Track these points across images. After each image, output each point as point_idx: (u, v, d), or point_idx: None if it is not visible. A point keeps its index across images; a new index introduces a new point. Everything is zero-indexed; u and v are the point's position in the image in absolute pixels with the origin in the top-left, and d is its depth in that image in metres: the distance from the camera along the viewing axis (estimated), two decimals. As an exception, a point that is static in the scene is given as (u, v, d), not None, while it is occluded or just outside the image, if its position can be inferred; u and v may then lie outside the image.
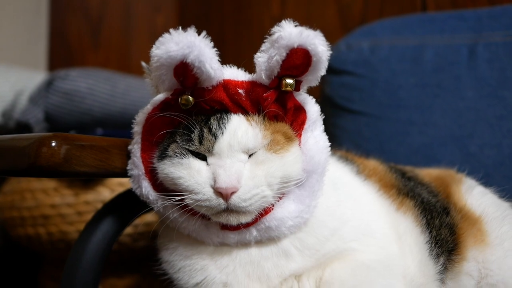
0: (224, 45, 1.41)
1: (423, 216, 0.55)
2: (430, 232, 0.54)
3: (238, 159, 0.43)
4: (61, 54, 1.59)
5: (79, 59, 1.57)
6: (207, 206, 0.43)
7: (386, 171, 0.61)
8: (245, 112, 0.44)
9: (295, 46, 0.41)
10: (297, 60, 0.42)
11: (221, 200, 0.42)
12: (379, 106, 1.00)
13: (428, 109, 0.94)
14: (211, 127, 0.43)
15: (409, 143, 0.94)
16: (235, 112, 0.44)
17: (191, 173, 0.43)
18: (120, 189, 0.88)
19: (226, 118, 0.44)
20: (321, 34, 0.42)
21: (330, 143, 0.49)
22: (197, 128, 0.44)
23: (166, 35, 0.40)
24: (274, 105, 0.44)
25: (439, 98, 0.94)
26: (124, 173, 0.49)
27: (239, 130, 0.43)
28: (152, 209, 0.49)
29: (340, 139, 1.02)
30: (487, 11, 1.01)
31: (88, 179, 0.90)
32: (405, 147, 0.95)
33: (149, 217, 0.90)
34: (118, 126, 1.05)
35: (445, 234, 0.55)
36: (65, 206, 0.90)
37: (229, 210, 0.43)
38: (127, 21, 1.56)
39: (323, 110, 0.48)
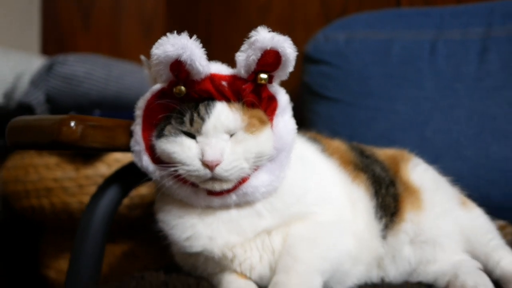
0: (212, 30, 1.48)
1: (373, 187, 0.67)
2: (377, 199, 0.66)
3: (222, 138, 0.53)
4: (54, 37, 1.62)
5: (71, 42, 1.61)
6: (196, 175, 0.53)
7: (347, 150, 0.73)
8: (227, 100, 0.54)
9: (268, 48, 0.51)
10: (270, 59, 0.52)
11: (207, 171, 0.52)
12: (352, 94, 1.10)
13: (393, 98, 1.05)
14: (200, 112, 0.53)
15: (375, 128, 1.05)
16: (219, 100, 0.54)
17: (183, 149, 0.53)
18: (116, 165, 0.97)
19: (212, 105, 0.53)
20: (289, 39, 0.53)
21: (300, 127, 0.59)
22: (188, 113, 0.53)
23: (163, 38, 0.50)
24: (251, 95, 0.54)
25: (403, 88, 1.04)
26: (127, 149, 0.58)
27: (222, 114, 0.53)
28: (150, 179, 0.59)
29: (316, 124, 1.12)
30: (450, 9, 1.10)
31: (89, 155, 0.99)
32: (372, 132, 1.06)
33: (143, 190, 1.01)
34: (113, 108, 1.13)
35: (389, 201, 0.67)
36: (67, 180, 0.99)
37: (213, 178, 0.52)
38: (117, 4, 1.60)
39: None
